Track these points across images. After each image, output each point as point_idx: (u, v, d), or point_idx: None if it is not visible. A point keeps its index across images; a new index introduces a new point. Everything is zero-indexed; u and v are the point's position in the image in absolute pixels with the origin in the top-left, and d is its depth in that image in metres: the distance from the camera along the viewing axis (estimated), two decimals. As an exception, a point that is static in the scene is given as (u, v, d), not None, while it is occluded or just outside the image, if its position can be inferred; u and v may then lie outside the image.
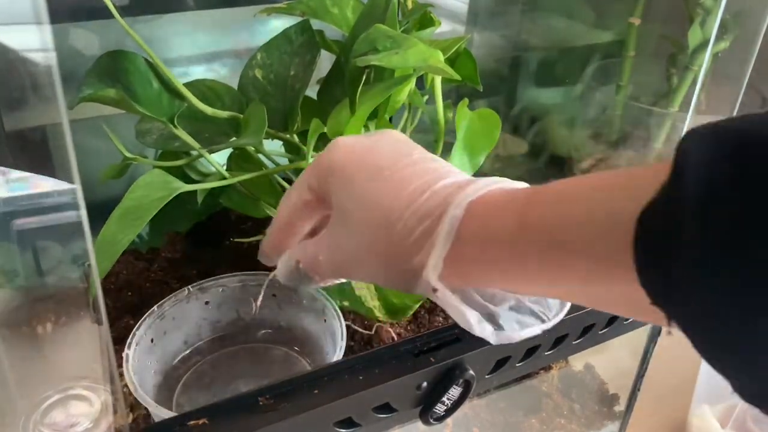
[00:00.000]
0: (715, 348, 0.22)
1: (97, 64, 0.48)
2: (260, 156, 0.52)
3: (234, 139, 0.51)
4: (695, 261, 0.21)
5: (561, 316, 0.34)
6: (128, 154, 0.49)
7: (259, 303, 0.47)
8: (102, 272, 0.42)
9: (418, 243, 0.30)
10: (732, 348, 0.21)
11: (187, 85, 0.52)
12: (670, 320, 0.23)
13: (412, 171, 0.32)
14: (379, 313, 0.50)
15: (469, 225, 0.29)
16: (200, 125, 0.52)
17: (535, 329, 0.33)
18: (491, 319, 0.32)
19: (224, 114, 0.51)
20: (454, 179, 0.31)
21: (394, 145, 0.35)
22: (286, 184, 0.52)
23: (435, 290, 0.31)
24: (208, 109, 0.50)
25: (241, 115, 0.50)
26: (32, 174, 0.50)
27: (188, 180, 0.49)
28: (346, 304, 0.49)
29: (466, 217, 0.29)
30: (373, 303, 0.50)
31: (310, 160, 0.47)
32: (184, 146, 0.50)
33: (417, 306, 0.51)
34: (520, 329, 0.33)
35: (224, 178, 0.48)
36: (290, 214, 0.37)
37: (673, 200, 0.22)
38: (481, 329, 0.32)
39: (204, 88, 0.53)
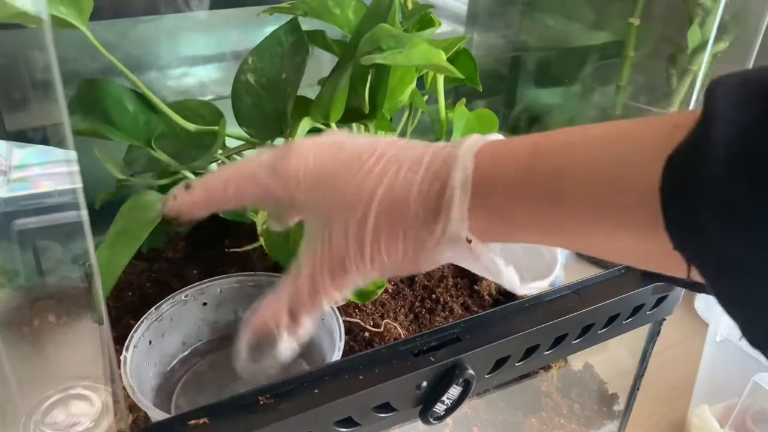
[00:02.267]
0: (734, 294, 0.22)
1: (77, 94, 0.49)
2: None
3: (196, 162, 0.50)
4: (724, 205, 0.20)
5: (556, 270, 0.33)
6: (120, 176, 0.49)
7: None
8: (105, 293, 0.43)
9: (435, 206, 0.29)
10: (752, 293, 0.21)
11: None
12: (690, 265, 0.23)
13: (394, 154, 0.30)
14: (350, 296, 0.49)
15: (480, 176, 0.28)
16: (181, 143, 0.52)
17: (544, 282, 0.32)
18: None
19: (196, 128, 0.51)
20: (439, 145, 0.30)
21: (354, 141, 0.32)
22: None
23: (469, 241, 0.29)
24: (189, 125, 0.50)
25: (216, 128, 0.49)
26: (33, 174, 0.50)
27: None
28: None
29: (476, 167, 0.28)
30: None
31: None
32: (167, 167, 0.50)
33: (381, 291, 0.51)
34: (523, 282, 0.32)
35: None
36: (238, 180, 0.35)
37: (704, 144, 0.21)
38: (509, 276, 0.31)
39: (184, 110, 0.53)
